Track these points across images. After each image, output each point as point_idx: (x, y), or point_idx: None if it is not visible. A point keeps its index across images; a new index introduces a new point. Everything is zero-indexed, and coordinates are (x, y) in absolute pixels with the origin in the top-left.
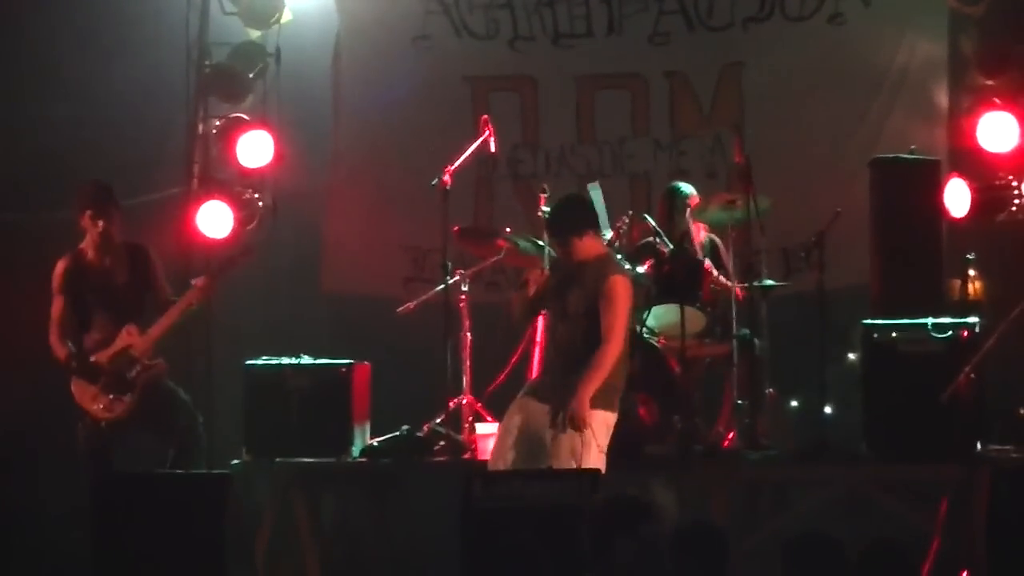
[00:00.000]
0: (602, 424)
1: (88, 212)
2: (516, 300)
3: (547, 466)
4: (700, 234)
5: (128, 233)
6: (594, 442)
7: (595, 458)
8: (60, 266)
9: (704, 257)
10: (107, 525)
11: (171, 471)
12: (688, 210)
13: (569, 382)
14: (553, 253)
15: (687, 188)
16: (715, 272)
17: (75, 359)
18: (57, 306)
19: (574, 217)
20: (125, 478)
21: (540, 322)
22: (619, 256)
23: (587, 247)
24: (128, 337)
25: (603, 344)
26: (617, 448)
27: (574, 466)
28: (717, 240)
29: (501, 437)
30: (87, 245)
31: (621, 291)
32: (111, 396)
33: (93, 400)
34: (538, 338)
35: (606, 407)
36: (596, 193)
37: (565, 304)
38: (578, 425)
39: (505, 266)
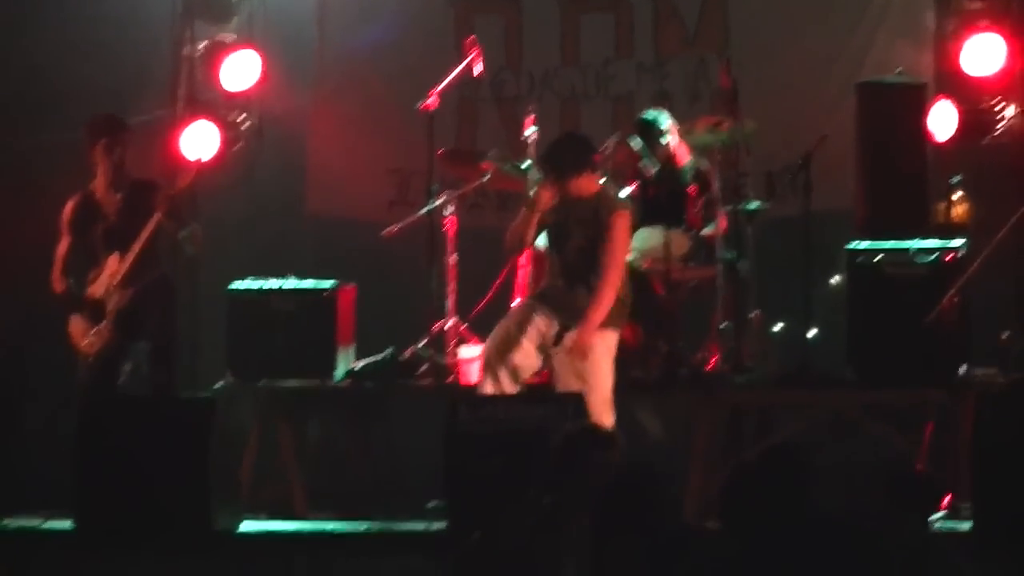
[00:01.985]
0: (610, 344)
1: (103, 141)
2: (521, 221)
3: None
4: (684, 158)
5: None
6: (601, 364)
7: (605, 378)
8: (69, 205)
9: (691, 180)
10: (92, 447)
11: (155, 394)
12: (671, 134)
13: (578, 303)
14: (537, 175)
15: (653, 116)
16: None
17: (70, 295)
18: (63, 245)
19: (573, 157)
20: (110, 401)
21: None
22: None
23: (583, 185)
24: (111, 266)
25: (603, 278)
26: None
27: (577, 386)
28: (702, 164)
29: (522, 334)
30: (98, 181)
31: (624, 226)
32: (92, 328)
33: (82, 335)
34: (522, 262)
35: (614, 326)
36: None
37: (570, 236)
38: (584, 354)
39: (489, 190)
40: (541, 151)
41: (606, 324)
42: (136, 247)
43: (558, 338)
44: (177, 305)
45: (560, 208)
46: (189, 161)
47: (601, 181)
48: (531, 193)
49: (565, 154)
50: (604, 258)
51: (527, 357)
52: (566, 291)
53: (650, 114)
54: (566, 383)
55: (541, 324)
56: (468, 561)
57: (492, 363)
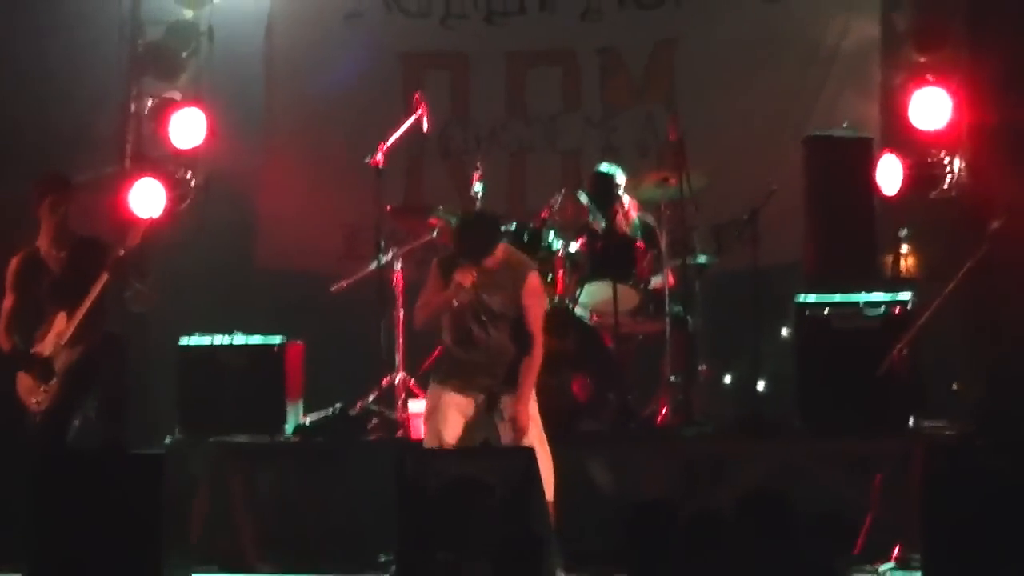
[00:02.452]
0: (534, 407)
1: (48, 199)
2: (442, 303)
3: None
4: (632, 213)
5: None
6: (534, 427)
7: (535, 420)
8: (14, 263)
9: (638, 235)
10: (42, 503)
11: (106, 450)
12: (619, 189)
13: (502, 371)
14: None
15: (611, 169)
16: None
17: (16, 352)
18: (8, 302)
19: (484, 239)
20: (60, 457)
21: None
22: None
23: (496, 256)
24: (59, 325)
25: (531, 344)
26: (552, 424)
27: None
28: (649, 218)
29: (431, 433)
30: (42, 239)
31: (539, 287)
32: (41, 386)
33: (29, 393)
34: None
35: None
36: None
37: (487, 308)
38: (525, 429)
39: (437, 244)
40: (456, 235)
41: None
42: (84, 306)
43: (489, 403)
44: (127, 360)
45: (473, 284)
46: (137, 218)
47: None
48: (451, 277)
49: (479, 237)
50: (528, 327)
51: (465, 442)
52: (491, 359)
53: (607, 167)
54: (505, 437)
55: (459, 406)
56: None
57: None
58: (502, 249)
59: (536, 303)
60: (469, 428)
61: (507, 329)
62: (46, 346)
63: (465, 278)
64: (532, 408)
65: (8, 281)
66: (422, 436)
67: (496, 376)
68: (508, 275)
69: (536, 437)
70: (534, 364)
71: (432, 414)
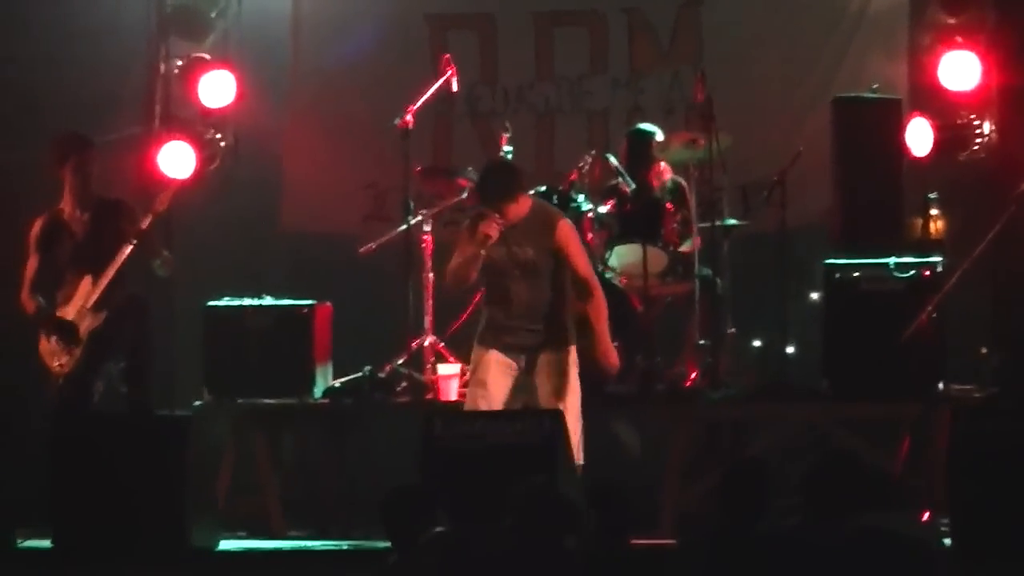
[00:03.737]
0: (576, 359)
1: (71, 160)
2: (467, 260)
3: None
4: (666, 175)
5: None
6: (573, 379)
7: (575, 393)
8: (37, 225)
9: (668, 197)
10: (68, 466)
11: (131, 413)
12: (652, 150)
13: (540, 327)
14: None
15: (652, 129)
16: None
17: (43, 315)
18: (31, 264)
19: (502, 184)
20: (86, 420)
21: None
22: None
23: (520, 207)
24: (84, 289)
25: (590, 289)
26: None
27: (552, 404)
28: (681, 180)
29: (473, 396)
30: (65, 200)
31: (572, 233)
32: (65, 350)
33: (52, 356)
34: None
35: (575, 341)
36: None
37: (520, 262)
38: (613, 370)
39: (466, 206)
40: (476, 183)
41: (572, 339)
42: (109, 271)
43: (530, 366)
44: (152, 324)
45: (501, 239)
46: (165, 180)
47: (530, 194)
48: (477, 229)
49: (496, 181)
50: (578, 272)
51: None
52: (528, 316)
53: (647, 126)
54: (544, 402)
55: (504, 367)
56: None
57: None
58: (528, 201)
59: (576, 248)
60: (513, 391)
61: (545, 283)
62: (70, 310)
63: (490, 227)
64: (573, 375)
65: (31, 243)
66: (451, 397)
67: (538, 335)
68: (537, 225)
69: (572, 404)
70: (600, 309)
71: (474, 374)
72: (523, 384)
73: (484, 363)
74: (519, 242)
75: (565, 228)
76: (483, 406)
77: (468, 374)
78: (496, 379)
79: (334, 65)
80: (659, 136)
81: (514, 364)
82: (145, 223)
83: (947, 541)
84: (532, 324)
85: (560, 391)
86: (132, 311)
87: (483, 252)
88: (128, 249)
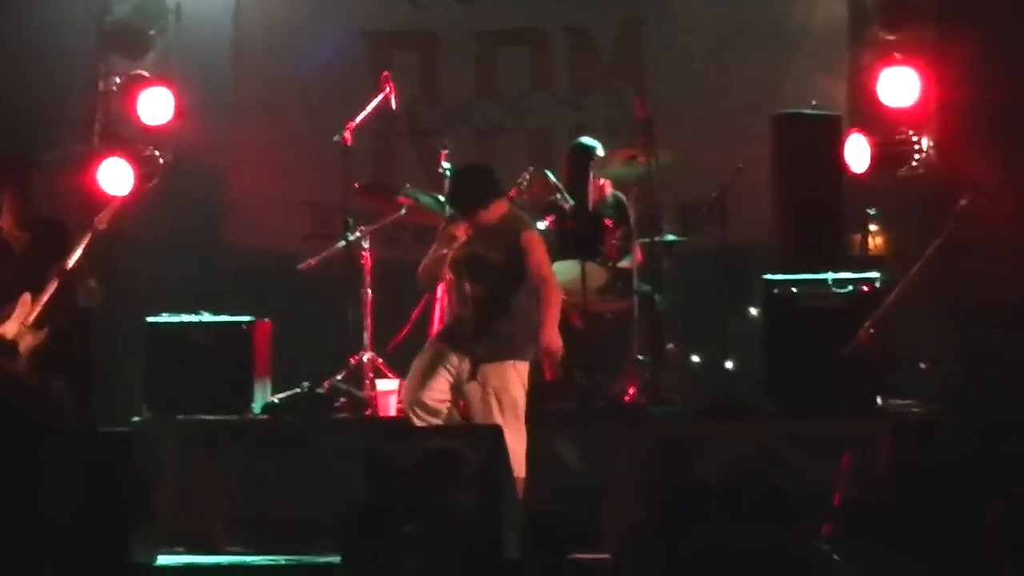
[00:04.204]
0: (522, 373)
1: (12, 180)
2: (437, 259)
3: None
4: (606, 189)
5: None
6: (514, 393)
7: (518, 407)
8: None
9: (609, 213)
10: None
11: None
12: (593, 165)
13: (493, 332)
14: (449, 212)
15: (592, 143)
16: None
17: None
18: None
19: (477, 192)
20: None
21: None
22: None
23: (492, 213)
24: (23, 307)
25: (548, 287)
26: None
27: (490, 418)
28: (622, 196)
29: (433, 374)
30: (5, 219)
31: (539, 242)
32: None
33: None
34: (439, 294)
35: (525, 357)
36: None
37: (485, 265)
38: (556, 357)
39: (406, 223)
40: (449, 187)
41: (520, 354)
42: (48, 290)
43: (473, 372)
44: (94, 338)
45: (469, 240)
46: (106, 197)
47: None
48: (447, 229)
49: (470, 188)
50: (536, 273)
51: (440, 394)
52: (480, 320)
53: (588, 140)
54: (481, 415)
55: (454, 361)
56: None
57: (408, 405)
58: (501, 206)
59: (538, 252)
60: (452, 389)
61: (506, 289)
62: (10, 328)
63: (458, 228)
64: (516, 391)
65: None
66: (391, 412)
67: (490, 341)
68: (505, 230)
69: (510, 420)
70: (552, 299)
71: (421, 356)
72: (459, 386)
73: (433, 352)
74: (487, 244)
75: (532, 235)
76: (412, 384)
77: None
78: (439, 372)
79: (275, 82)
80: (599, 151)
81: (458, 364)
82: (82, 244)
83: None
84: (484, 328)
85: (491, 408)
86: (75, 329)
87: (449, 251)
88: (54, 284)
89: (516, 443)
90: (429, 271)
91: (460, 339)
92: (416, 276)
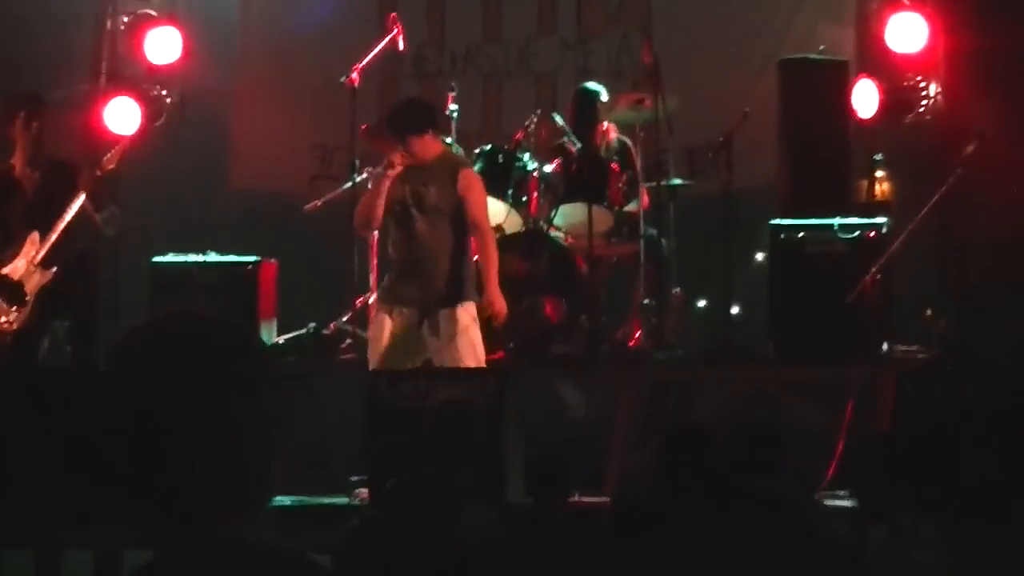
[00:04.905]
0: (473, 314)
1: (20, 118)
2: (371, 194)
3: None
4: (611, 134)
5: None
6: (471, 336)
7: (476, 349)
8: None
9: (614, 157)
10: (10, 422)
11: (77, 368)
12: (598, 110)
13: (437, 277)
14: (459, 151)
15: (597, 88)
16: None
17: None
18: None
19: (412, 117)
20: (32, 374)
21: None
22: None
23: (427, 146)
24: (30, 246)
25: (482, 235)
26: (524, 347)
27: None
28: (628, 141)
29: (373, 356)
30: (16, 158)
31: (477, 182)
32: (11, 308)
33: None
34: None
35: (472, 297)
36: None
37: (421, 203)
38: (501, 317)
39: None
40: (387, 111)
41: (465, 295)
42: (57, 227)
43: (420, 322)
44: (98, 279)
45: (405, 178)
46: (118, 137)
47: (447, 142)
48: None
49: (404, 115)
50: (472, 217)
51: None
52: (420, 267)
53: (592, 85)
54: (441, 362)
55: (399, 322)
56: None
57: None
58: (439, 145)
59: (476, 194)
60: (399, 343)
61: (444, 228)
62: (18, 268)
63: (394, 155)
64: (471, 332)
65: None
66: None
67: (435, 284)
68: (443, 168)
69: (474, 357)
70: (489, 255)
71: (371, 332)
72: (416, 341)
73: (379, 322)
74: (424, 182)
75: (469, 175)
76: (377, 364)
77: (369, 333)
78: (390, 337)
79: (282, 23)
80: (604, 95)
81: (409, 320)
82: (90, 183)
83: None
84: (425, 271)
85: (455, 351)
86: (80, 268)
87: (384, 180)
88: (78, 202)
89: None
90: (364, 213)
91: (402, 293)
92: (353, 220)
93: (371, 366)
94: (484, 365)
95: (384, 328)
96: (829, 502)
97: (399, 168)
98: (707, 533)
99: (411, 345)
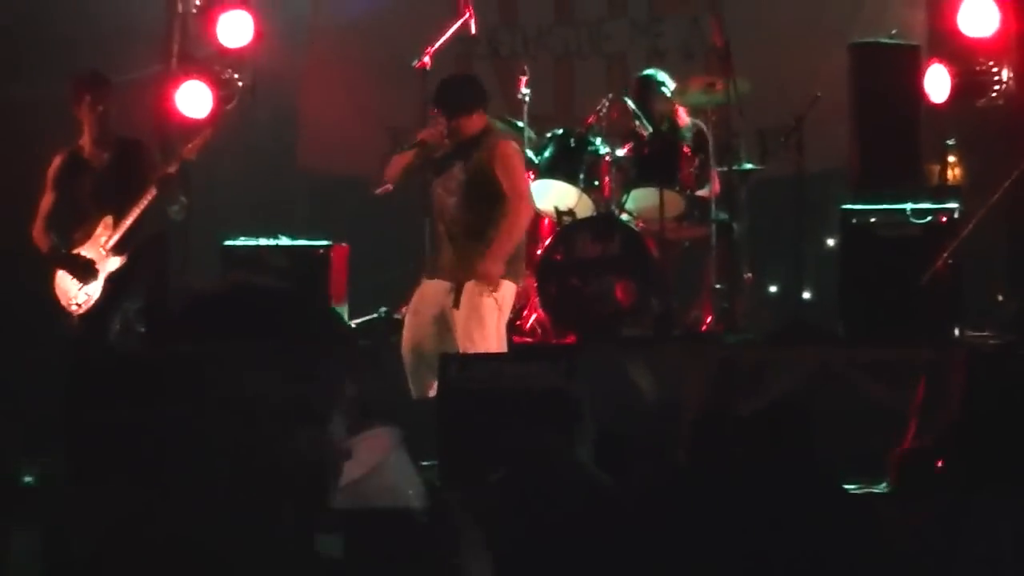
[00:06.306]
0: (510, 294)
1: (87, 97)
2: (401, 154)
3: (454, 344)
4: (684, 118)
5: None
6: (498, 312)
7: (499, 328)
8: (56, 161)
9: (687, 141)
10: (86, 404)
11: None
12: (667, 92)
13: (468, 252)
14: (531, 134)
15: (659, 74)
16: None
17: (54, 251)
18: (47, 201)
19: (463, 95)
20: (104, 354)
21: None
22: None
23: (474, 123)
24: (104, 229)
25: (510, 204)
26: (595, 329)
27: (477, 340)
28: (701, 124)
29: (407, 327)
30: (84, 138)
31: (513, 153)
32: (80, 289)
33: (66, 294)
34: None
35: (514, 277)
36: None
37: (454, 175)
38: (491, 284)
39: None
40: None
41: (503, 273)
42: (131, 214)
43: (456, 299)
44: (169, 261)
45: (448, 152)
46: (184, 120)
47: (492, 122)
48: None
49: (455, 92)
50: (509, 190)
51: (439, 342)
52: (452, 242)
53: (649, 71)
54: (462, 344)
55: (437, 299)
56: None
57: (408, 365)
58: (484, 120)
59: (513, 166)
60: (438, 325)
61: (484, 205)
62: (89, 249)
63: (428, 133)
64: (493, 317)
65: (48, 179)
66: None
67: (469, 260)
68: (484, 143)
69: (484, 340)
70: (514, 220)
71: (411, 303)
72: (443, 313)
73: (419, 293)
74: (464, 155)
75: (507, 147)
76: (407, 337)
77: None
78: (424, 311)
79: (353, 5)
80: (663, 79)
81: (444, 290)
82: (172, 168)
83: None
84: (466, 245)
85: (473, 332)
86: (151, 251)
87: (417, 149)
88: (151, 194)
89: None
90: (389, 167)
91: (444, 262)
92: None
93: (404, 335)
94: (502, 349)
95: (422, 299)
96: (870, 488)
97: (432, 140)
98: (733, 518)
99: (439, 317)
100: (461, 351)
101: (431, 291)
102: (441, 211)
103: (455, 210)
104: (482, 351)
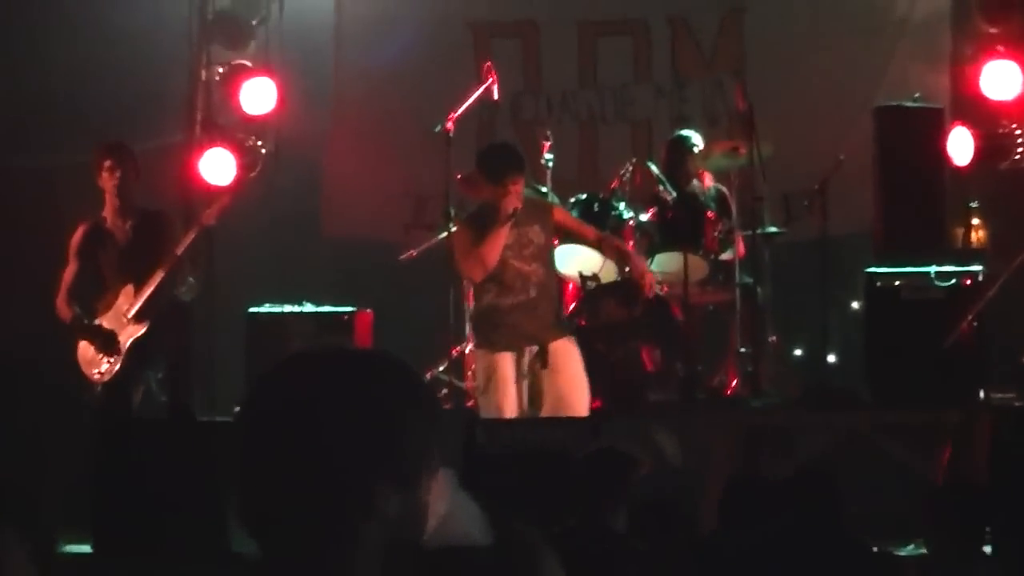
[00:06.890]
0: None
1: (107, 163)
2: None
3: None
4: (707, 181)
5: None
6: (580, 373)
7: (584, 388)
8: (79, 231)
9: (711, 205)
10: (109, 470)
11: (173, 418)
12: (693, 158)
13: (548, 315)
14: (555, 199)
15: (693, 136)
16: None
17: (79, 322)
18: (70, 270)
19: (511, 159)
20: (129, 424)
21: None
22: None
23: (521, 188)
24: (124, 299)
25: (605, 236)
26: (619, 395)
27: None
28: (724, 189)
29: (494, 393)
30: (107, 208)
31: (567, 212)
32: (103, 358)
33: (90, 364)
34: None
35: (572, 333)
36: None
37: (530, 238)
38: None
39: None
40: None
41: (570, 330)
42: (150, 283)
43: (542, 359)
44: (192, 332)
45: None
46: (208, 187)
47: (542, 190)
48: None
49: (503, 158)
50: (584, 232)
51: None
52: (542, 300)
53: (686, 132)
54: (553, 403)
55: (513, 363)
56: None
57: None
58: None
59: (575, 220)
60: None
61: (548, 265)
62: (111, 318)
63: (512, 203)
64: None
65: (71, 249)
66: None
67: (543, 321)
68: (535, 207)
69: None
70: (616, 240)
71: (487, 385)
72: (534, 380)
73: (495, 373)
74: (528, 222)
75: (558, 208)
76: (508, 413)
77: (479, 380)
78: (511, 387)
79: (376, 72)
80: (695, 140)
81: (526, 356)
82: (188, 238)
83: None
84: (539, 310)
85: (577, 378)
86: (173, 321)
87: (504, 228)
88: (171, 263)
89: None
90: (485, 256)
91: (515, 329)
92: (465, 269)
93: (494, 412)
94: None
95: (501, 373)
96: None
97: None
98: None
99: (532, 382)
100: (565, 407)
101: (509, 364)
102: (516, 277)
103: (537, 274)
104: (585, 399)
